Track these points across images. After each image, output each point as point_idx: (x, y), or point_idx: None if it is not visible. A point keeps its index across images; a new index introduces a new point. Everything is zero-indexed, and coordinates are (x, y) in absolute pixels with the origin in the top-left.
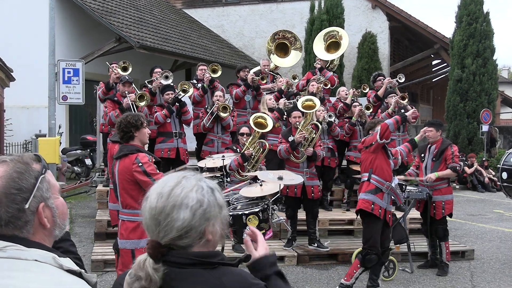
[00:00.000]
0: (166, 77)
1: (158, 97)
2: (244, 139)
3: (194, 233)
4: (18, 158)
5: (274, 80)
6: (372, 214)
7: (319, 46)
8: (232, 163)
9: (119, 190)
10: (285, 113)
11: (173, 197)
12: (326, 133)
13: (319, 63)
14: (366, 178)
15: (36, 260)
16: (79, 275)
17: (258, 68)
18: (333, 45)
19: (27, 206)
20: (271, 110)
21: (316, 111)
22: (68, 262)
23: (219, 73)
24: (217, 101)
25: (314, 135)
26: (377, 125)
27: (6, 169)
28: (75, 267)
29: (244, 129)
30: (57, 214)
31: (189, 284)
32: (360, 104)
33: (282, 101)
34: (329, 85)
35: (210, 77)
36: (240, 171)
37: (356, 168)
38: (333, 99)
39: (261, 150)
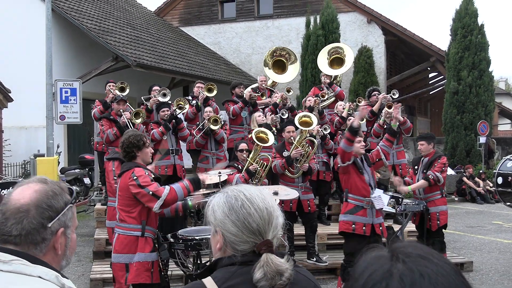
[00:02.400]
0: (164, 95)
1: (154, 114)
2: (244, 155)
3: (279, 233)
4: (57, 182)
5: (272, 96)
6: (354, 233)
7: (322, 61)
8: (238, 180)
9: (118, 206)
10: (273, 128)
11: (267, 199)
12: (320, 147)
13: (326, 78)
14: (344, 199)
15: (39, 277)
16: None
17: (256, 84)
18: (336, 60)
19: (50, 225)
20: (260, 126)
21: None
22: (69, 283)
23: (215, 92)
24: (207, 116)
25: (310, 150)
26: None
27: (44, 186)
28: None
29: (243, 145)
30: (69, 246)
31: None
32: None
33: (269, 116)
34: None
35: (204, 96)
36: None
37: None
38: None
39: (264, 164)
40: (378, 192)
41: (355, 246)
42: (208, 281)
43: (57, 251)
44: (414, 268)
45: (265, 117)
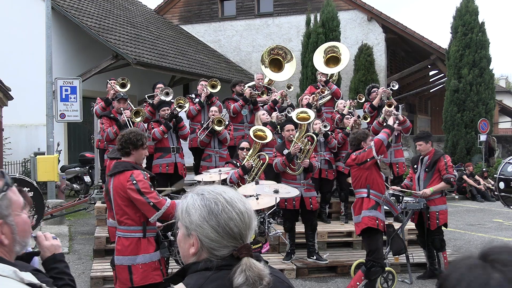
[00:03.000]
0: (167, 94)
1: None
2: (244, 153)
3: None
4: None
5: (269, 94)
6: (377, 229)
7: (318, 59)
8: (232, 175)
9: (114, 207)
10: (278, 126)
11: (246, 201)
12: (323, 145)
13: (322, 76)
14: (365, 195)
15: None
16: None
17: (253, 82)
18: (332, 59)
19: None
20: (265, 124)
21: (311, 123)
22: (29, 276)
23: (218, 88)
24: (212, 116)
25: (310, 147)
26: (366, 138)
27: None
28: (35, 281)
29: (244, 144)
30: (16, 231)
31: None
32: (358, 116)
33: (274, 114)
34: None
35: (208, 93)
36: (240, 183)
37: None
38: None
39: (261, 162)
40: (387, 191)
41: (377, 241)
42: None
43: (3, 242)
44: None
45: (269, 115)
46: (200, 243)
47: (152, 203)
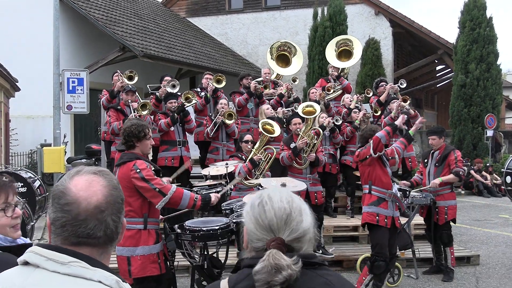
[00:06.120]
0: (173, 86)
1: (161, 105)
2: (249, 146)
3: (308, 238)
4: (107, 171)
5: (275, 88)
6: (378, 225)
7: (331, 53)
8: (241, 169)
9: None
10: (285, 121)
11: (296, 202)
12: (328, 139)
13: (334, 71)
14: (367, 191)
15: (100, 282)
16: None
17: (260, 78)
18: (344, 53)
19: (122, 218)
20: (270, 119)
21: (317, 117)
22: None
23: (224, 83)
24: (222, 109)
25: (316, 141)
26: (374, 133)
27: (108, 179)
28: None
29: (248, 137)
30: (123, 232)
31: (304, 282)
32: (365, 110)
33: (280, 110)
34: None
35: (213, 87)
36: (248, 177)
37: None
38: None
39: (269, 156)
40: (396, 186)
41: (379, 236)
42: (223, 283)
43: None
44: None
45: (273, 110)
46: (248, 235)
47: (157, 189)
